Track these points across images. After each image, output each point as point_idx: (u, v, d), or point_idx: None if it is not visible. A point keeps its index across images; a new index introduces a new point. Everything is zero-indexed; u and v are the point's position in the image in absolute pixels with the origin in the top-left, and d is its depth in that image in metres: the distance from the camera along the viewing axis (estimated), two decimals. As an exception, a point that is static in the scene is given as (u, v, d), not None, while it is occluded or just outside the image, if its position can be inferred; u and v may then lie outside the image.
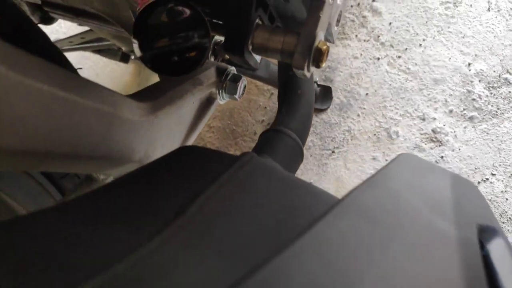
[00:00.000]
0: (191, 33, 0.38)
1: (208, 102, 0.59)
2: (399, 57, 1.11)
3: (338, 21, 0.50)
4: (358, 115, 1.06)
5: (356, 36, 1.15)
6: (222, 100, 0.59)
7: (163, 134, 0.50)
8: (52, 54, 0.50)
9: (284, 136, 0.50)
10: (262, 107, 1.13)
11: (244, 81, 0.59)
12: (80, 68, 0.58)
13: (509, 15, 1.10)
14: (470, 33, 1.10)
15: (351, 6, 1.19)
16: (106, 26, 0.65)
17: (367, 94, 1.08)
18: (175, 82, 0.53)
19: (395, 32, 1.14)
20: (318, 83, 1.10)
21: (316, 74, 1.13)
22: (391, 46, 1.12)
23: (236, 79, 0.58)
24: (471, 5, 1.13)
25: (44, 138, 0.33)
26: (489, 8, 1.12)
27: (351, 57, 1.13)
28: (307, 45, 0.39)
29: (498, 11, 1.12)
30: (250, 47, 0.41)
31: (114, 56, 1.01)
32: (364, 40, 1.14)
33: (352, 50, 1.14)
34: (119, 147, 0.42)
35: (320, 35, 0.40)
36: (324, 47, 0.40)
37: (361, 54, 1.13)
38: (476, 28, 1.11)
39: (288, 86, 0.57)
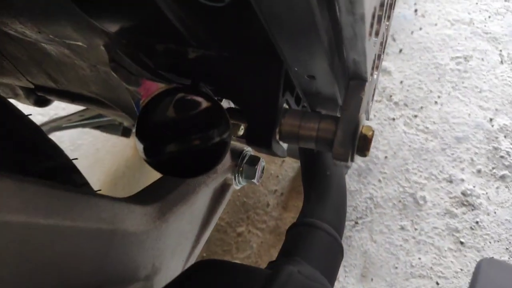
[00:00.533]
0: (209, 131, 0.32)
1: (222, 189, 0.52)
2: (416, 116, 1.05)
3: (373, 96, 0.44)
4: (379, 181, 0.98)
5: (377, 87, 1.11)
6: (238, 185, 0.52)
7: (174, 239, 0.42)
8: (38, 145, 0.44)
9: (319, 231, 0.42)
10: (273, 175, 1.06)
11: (263, 162, 0.52)
12: (76, 159, 0.51)
13: (524, 67, 1.07)
14: (487, 87, 1.06)
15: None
16: (104, 109, 0.59)
17: (386, 157, 1.01)
18: None
19: (408, 90, 1.09)
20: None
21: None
22: (405, 105, 1.07)
23: (254, 162, 0.51)
24: (482, 58, 1.10)
25: (21, 280, 0.25)
26: (502, 61, 1.09)
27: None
28: (350, 132, 0.32)
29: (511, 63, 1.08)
30: (278, 136, 0.35)
31: (115, 131, 0.96)
32: (376, 101, 1.10)
33: (364, 111, 1.09)
34: (120, 268, 0.34)
35: (363, 118, 0.34)
36: (370, 133, 0.33)
37: (374, 115, 1.08)
38: (492, 81, 1.06)
39: (315, 167, 0.50)
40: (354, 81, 0.33)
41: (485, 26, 1.16)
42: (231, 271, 0.32)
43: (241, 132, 0.43)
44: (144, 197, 0.38)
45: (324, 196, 0.48)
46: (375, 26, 0.30)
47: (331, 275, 0.41)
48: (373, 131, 0.33)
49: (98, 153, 1.22)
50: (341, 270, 0.91)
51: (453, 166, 0.97)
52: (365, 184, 0.99)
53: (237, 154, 0.50)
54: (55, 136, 1.30)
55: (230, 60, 0.34)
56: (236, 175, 0.50)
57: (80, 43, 0.39)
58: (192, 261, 0.50)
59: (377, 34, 0.33)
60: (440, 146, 1.00)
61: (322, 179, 0.49)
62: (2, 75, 0.61)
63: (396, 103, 1.08)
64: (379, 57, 0.42)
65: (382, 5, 0.32)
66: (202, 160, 0.32)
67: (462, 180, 0.94)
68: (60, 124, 1.01)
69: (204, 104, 0.32)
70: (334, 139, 0.32)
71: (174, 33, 0.32)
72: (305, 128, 0.34)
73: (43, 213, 0.25)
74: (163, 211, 0.38)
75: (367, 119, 0.45)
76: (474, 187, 0.93)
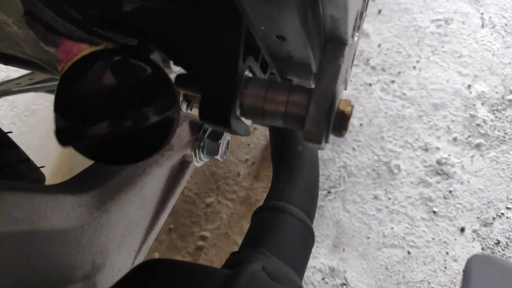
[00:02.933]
0: (151, 105, 0.25)
1: (181, 167, 0.46)
2: (393, 81, 1.01)
3: (352, 62, 0.38)
4: (354, 149, 0.95)
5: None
6: (199, 162, 0.46)
7: (120, 230, 0.36)
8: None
9: (288, 216, 0.38)
10: (244, 144, 1.01)
11: (228, 136, 0.46)
12: (10, 132, 0.44)
13: (505, 31, 1.03)
14: (467, 52, 1.02)
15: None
16: (44, 73, 0.51)
17: (361, 124, 0.97)
18: None
19: (386, 54, 1.04)
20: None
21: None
22: (383, 70, 1.02)
23: (217, 136, 0.45)
24: (463, 22, 1.05)
25: None
26: (482, 25, 1.04)
27: (340, 84, 1.02)
28: (325, 107, 0.26)
29: (493, 27, 1.04)
30: (239, 111, 0.29)
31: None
32: (353, 65, 1.04)
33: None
34: (47, 273, 0.28)
35: (341, 90, 0.28)
36: (349, 108, 0.27)
37: (350, 80, 1.03)
38: (472, 46, 1.02)
39: (285, 141, 0.44)
40: (332, 44, 0.27)
41: (467, -13, 1.10)
42: (182, 274, 0.27)
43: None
44: (78, 184, 0.32)
45: (294, 175, 0.43)
46: None
47: (301, 266, 0.37)
48: (353, 106, 0.28)
49: (56, 119, 1.13)
50: (312, 240, 0.88)
51: (429, 134, 0.94)
52: (338, 152, 0.95)
53: (198, 128, 0.44)
54: (7, 101, 1.19)
55: (176, 15, 0.27)
56: (197, 151, 0.44)
57: None
58: (145, 249, 0.45)
59: None
60: (417, 113, 0.96)
61: (292, 155, 0.44)
62: None
63: (373, 68, 1.03)
64: (361, 15, 0.36)
65: None
66: (141, 144, 0.26)
67: (438, 148, 0.92)
68: (9, 87, 0.92)
69: (142, 71, 0.25)
70: (306, 115, 0.27)
71: None
72: (271, 101, 0.28)
73: None
74: (102, 199, 0.32)
75: (345, 89, 0.40)
76: (449, 155, 0.91)
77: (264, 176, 0.96)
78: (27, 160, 0.54)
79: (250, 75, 0.30)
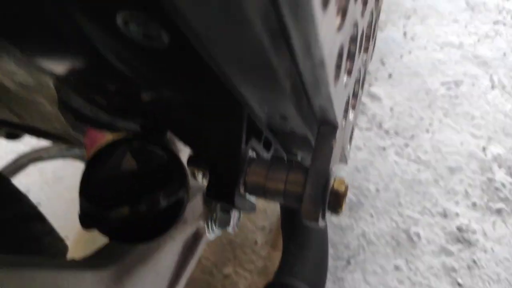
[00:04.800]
0: (164, 189, 0.27)
1: (194, 239, 0.47)
2: (407, 145, 1.01)
3: (351, 138, 0.40)
4: (371, 215, 0.94)
5: (357, 124, 1.07)
6: (212, 234, 0.47)
7: None
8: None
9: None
10: (261, 209, 1.01)
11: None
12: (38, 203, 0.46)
13: (516, 92, 1.04)
14: (479, 114, 1.03)
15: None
16: (72, 148, 0.54)
17: (377, 189, 0.97)
18: None
19: (398, 117, 1.06)
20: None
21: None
22: (396, 133, 1.04)
23: (227, 208, 0.46)
24: (473, 84, 1.07)
25: None
26: (492, 86, 1.06)
27: (354, 148, 1.04)
28: (319, 188, 0.27)
29: (503, 88, 1.05)
30: (243, 189, 0.30)
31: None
32: (366, 129, 1.06)
33: (354, 141, 1.05)
34: None
35: (335, 171, 0.29)
36: (342, 187, 0.29)
37: (364, 144, 1.04)
38: (484, 108, 1.03)
39: (295, 214, 0.45)
40: (324, 127, 0.29)
41: (474, 49, 1.13)
42: None
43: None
44: (97, 260, 0.33)
45: (303, 249, 0.43)
46: (345, 66, 0.26)
47: None
48: (347, 185, 0.29)
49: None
50: (333, 313, 0.86)
51: (447, 199, 0.93)
52: (356, 219, 0.94)
53: (208, 200, 0.46)
54: (36, 168, 1.23)
55: (186, 104, 0.29)
56: (209, 223, 0.45)
57: (29, 80, 0.35)
58: None
59: (349, 73, 0.29)
60: (433, 177, 0.96)
61: (301, 230, 0.44)
62: None
63: (386, 131, 1.04)
64: (355, 95, 0.38)
65: (354, 40, 0.28)
66: (155, 224, 0.28)
67: (457, 214, 0.91)
68: (40, 155, 0.96)
69: (158, 157, 0.27)
70: (303, 194, 0.28)
71: (120, 74, 0.28)
72: (272, 180, 0.29)
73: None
74: (119, 275, 0.33)
75: (345, 163, 0.41)
76: (469, 221, 0.89)
77: (282, 244, 0.95)
78: (52, 231, 0.56)
79: (254, 154, 0.31)
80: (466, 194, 0.93)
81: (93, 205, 0.29)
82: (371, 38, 0.40)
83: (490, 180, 0.93)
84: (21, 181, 1.03)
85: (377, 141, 1.04)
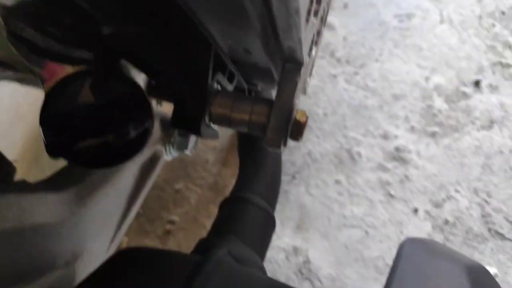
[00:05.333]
0: (128, 123, 0.28)
1: (152, 161, 0.49)
2: (356, 73, 1.05)
3: (311, 71, 0.42)
4: (318, 137, 0.99)
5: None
6: (169, 156, 0.49)
7: (96, 222, 0.39)
8: None
9: (251, 206, 0.41)
10: (215, 131, 1.04)
11: (196, 134, 0.49)
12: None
13: (461, 27, 1.09)
14: (426, 46, 1.07)
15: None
16: (10, 72, 0.53)
17: (325, 114, 1.01)
18: None
19: (351, 47, 1.09)
20: (274, 103, 1.02)
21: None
22: (347, 62, 1.07)
23: (185, 132, 0.48)
24: (424, 17, 1.11)
25: None
26: (441, 21, 1.10)
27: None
28: (282, 119, 0.30)
29: (451, 23, 1.10)
30: (208, 119, 0.32)
31: (37, 83, 0.88)
32: (319, 57, 1.09)
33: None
34: (35, 261, 0.31)
35: (297, 103, 0.32)
36: (304, 118, 0.31)
37: (316, 72, 1.07)
38: (432, 41, 1.08)
39: (251, 137, 0.48)
40: (290, 64, 0.31)
41: (429, -16, 1.16)
42: (154, 262, 0.31)
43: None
44: (59, 182, 0.34)
45: (259, 168, 0.47)
46: (314, 6, 0.27)
47: (263, 250, 0.41)
48: (307, 116, 0.32)
49: (20, 107, 1.13)
50: (278, 223, 0.92)
51: (388, 123, 0.99)
52: (304, 140, 0.99)
53: (166, 124, 0.47)
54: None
55: (150, 37, 0.30)
56: (167, 146, 0.47)
57: None
58: (119, 237, 0.48)
59: (316, 13, 0.31)
60: (378, 104, 1.01)
61: (258, 150, 0.48)
62: None
63: (338, 60, 1.08)
64: (318, 33, 0.40)
65: None
66: (119, 152, 0.29)
67: (396, 136, 0.97)
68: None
69: (122, 89, 0.28)
70: (268, 125, 0.30)
71: (78, 8, 0.28)
72: (237, 111, 0.31)
73: None
74: (81, 195, 0.35)
75: (304, 93, 0.44)
76: (406, 143, 0.96)
77: (232, 162, 1.00)
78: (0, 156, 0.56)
79: (219, 87, 0.33)
80: (406, 119, 0.99)
81: (59, 136, 0.30)
82: None
83: (429, 106, 1.00)
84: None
85: (328, 69, 1.07)
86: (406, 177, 0.92)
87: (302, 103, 1.04)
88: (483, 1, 1.12)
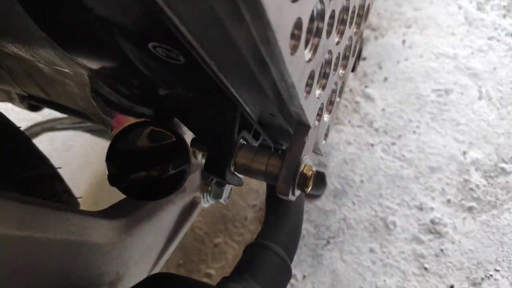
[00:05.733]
0: (172, 162, 0.36)
1: (191, 206, 0.56)
2: (394, 143, 1.10)
3: (326, 135, 0.49)
4: (354, 203, 1.03)
5: (349, 121, 1.16)
6: (206, 203, 0.56)
7: (138, 251, 0.46)
8: (23, 154, 0.48)
9: (270, 253, 0.47)
10: (254, 190, 1.10)
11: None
12: (60, 168, 0.55)
13: (500, 104, 1.12)
14: (464, 121, 1.11)
15: (344, 92, 1.21)
16: (91, 122, 0.64)
17: (362, 181, 1.05)
18: None
19: (388, 118, 1.14)
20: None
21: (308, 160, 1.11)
22: (385, 132, 1.12)
23: (222, 183, 0.55)
24: (462, 93, 1.15)
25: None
26: (480, 97, 1.14)
27: (345, 143, 1.13)
28: (291, 171, 0.36)
29: (489, 99, 1.13)
30: (233, 168, 0.39)
31: (105, 135, 1.01)
32: (358, 126, 1.15)
33: (345, 136, 1.14)
34: (86, 275, 0.38)
35: (305, 159, 0.38)
36: (310, 172, 0.37)
37: (354, 140, 1.12)
38: (469, 116, 1.11)
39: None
40: (299, 127, 0.38)
41: (467, 61, 1.21)
42: (179, 286, 0.37)
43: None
44: (113, 212, 0.43)
45: (281, 219, 0.52)
46: (317, 83, 0.35)
47: None
48: (314, 171, 0.38)
49: (88, 155, 1.26)
50: (309, 286, 0.95)
51: (424, 195, 1.01)
52: (339, 205, 1.03)
53: (207, 175, 0.55)
54: (48, 136, 1.34)
55: (194, 100, 0.38)
56: (205, 194, 0.55)
57: (66, 70, 0.44)
58: (157, 268, 0.54)
59: (323, 88, 0.38)
60: (414, 174, 1.04)
61: (282, 203, 0.53)
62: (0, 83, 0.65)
63: (376, 130, 1.13)
64: (332, 103, 0.46)
65: (328, 63, 0.37)
66: (162, 187, 0.37)
67: (432, 208, 0.99)
68: (54, 125, 1.06)
69: (168, 137, 0.37)
70: (279, 175, 0.37)
71: (144, 75, 0.37)
72: (256, 162, 0.38)
73: (17, 226, 0.30)
74: (129, 226, 0.42)
75: (320, 154, 0.50)
76: (442, 216, 0.98)
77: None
78: (69, 191, 0.65)
79: (244, 142, 0.40)
80: (443, 192, 1.01)
81: (117, 170, 0.38)
82: (350, 57, 0.48)
83: (466, 181, 1.01)
84: (41, 143, 1.13)
85: (366, 138, 1.12)
86: (442, 251, 0.93)
87: (340, 168, 1.09)
88: (522, 79, 1.15)
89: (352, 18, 0.41)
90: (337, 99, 0.48)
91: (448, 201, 0.99)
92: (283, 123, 0.45)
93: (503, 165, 1.02)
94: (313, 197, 1.06)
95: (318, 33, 0.31)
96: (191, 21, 0.23)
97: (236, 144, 0.38)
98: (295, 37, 0.25)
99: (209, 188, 0.54)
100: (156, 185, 0.37)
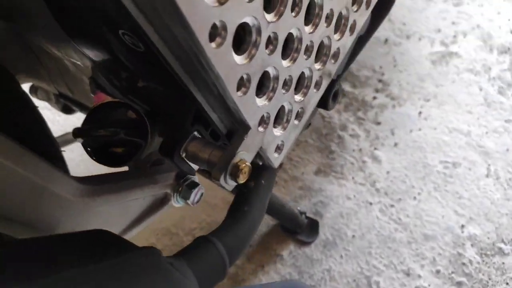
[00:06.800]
0: (125, 129, 0.44)
1: (161, 202, 0.62)
2: (392, 205, 1.11)
3: (279, 149, 0.54)
4: (341, 256, 1.03)
5: (353, 178, 1.19)
6: (176, 203, 0.62)
7: (99, 220, 0.52)
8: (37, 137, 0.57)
9: (213, 248, 0.50)
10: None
11: (202, 189, 0.62)
12: (63, 151, 0.64)
13: (508, 185, 1.10)
14: (467, 196, 1.10)
15: (353, 150, 1.25)
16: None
17: (354, 236, 1.06)
18: (133, 174, 0.57)
19: (392, 181, 1.16)
20: (307, 215, 1.11)
21: (306, 207, 1.14)
22: (386, 193, 1.13)
23: (193, 186, 0.61)
24: (470, 168, 1.15)
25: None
26: (487, 175, 1.13)
27: (344, 197, 1.15)
28: (226, 160, 0.42)
29: (497, 178, 1.12)
30: (184, 154, 0.46)
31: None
32: (360, 184, 1.17)
33: (346, 190, 1.16)
34: (45, 218, 0.45)
35: (242, 155, 0.44)
36: (243, 165, 0.43)
37: (354, 196, 1.14)
38: (473, 191, 1.11)
39: (239, 200, 0.59)
40: (241, 126, 0.44)
41: (480, 140, 1.22)
42: (113, 240, 0.42)
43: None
44: (85, 178, 0.50)
45: (234, 225, 0.56)
46: (255, 88, 0.42)
47: (206, 284, 0.48)
48: (249, 166, 0.43)
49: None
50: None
51: (414, 261, 0.99)
52: (327, 256, 1.03)
53: (181, 177, 0.61)
54: (68, 148, 1.47)
55: (162, 92, 0.46)
56: (175, 194, 0.60)
57: (79, 62, 0.54)
58: None
59: (269, 99, 0.45)
60: (407, 239, 1.03)
61: (239, 211, 0.57)
62: (38, 79, 0.78)
63: (377, 190, 1.15)
64: (287, 120, 0.52)
65: (275, 78, 0.44)
66: (118, 155, 0.44)
67: (419, 276, 0.96)
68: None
69: (130, 114, 0.45)
70: (216, 163, 0.43)
71: (127, 67, 0.46)
72: (202, 152, 0.45)
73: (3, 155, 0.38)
74: (94, 192, 0.49)
75: (273, 166, 0.55)
76: (429, 285, 0.95)
77: (257, 259, 1.06)
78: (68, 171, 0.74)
79: (199, 135, 0.47)
80: (433, 261, 0.99)
81: (87, 128, 0.48)
82: (311, 88, 0.54)
83: (460, 255, 0.99)
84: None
85: (367, 196, 1.14)
86: (420, 320, 0.89)
87: (334, 221, 1.10)
88: (536, 165, 1.14)
89: (309, 51, 0.49)
90: (295, 121, 0.54)
91: (438, 271, 0.97)
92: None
93: (502, 245, 0.99)
94: (303, 243, 1.07)
95: (255, 45, 0.38)
96: (139, 7, 0.32)
97: (188, 133, 0.45)
98: (220, 35, 0.33)
99: (180, 189, 0.60)
100: (114, 153, 0.44)
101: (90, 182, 0.50)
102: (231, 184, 0.44)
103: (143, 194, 0.56)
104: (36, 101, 0.66)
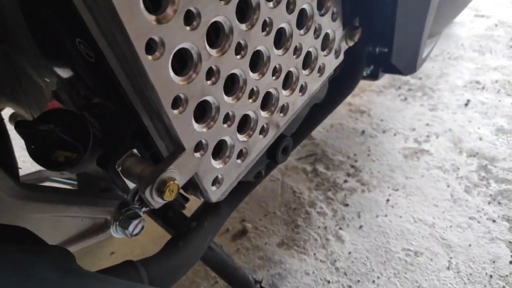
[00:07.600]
0: (61, 127, 0.47)
1: (100, 227, 0.62)
2: (350, 287, 1.08)
3: (218, 183, 0.56)
4: (290, 333, 0.97)
5: (315, 254, 1.17)
6: (114, 232, 0.62)
7: (30, 226, 0.52)
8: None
9: (134, 273, 0.50)
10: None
11: (143, 222, 0.62)
12: (20, 168, 0.66)
13: (468, 279, 1.09)
14: (426, 285, 1.08)
15: (319, 227, 1.26)
16: None
17: (306, 312, 1.01)
18: (79, 193, 0.58)
19: (353, 262, 1.15)
20: (263, 285, 1.07)
21: (264, 276, 1.11)
22: (345, 274, 1.11)
23: (133, 217, 0.62)
24: (431, 259, 1.15)
25: None
26: (448, 267, 1.13)
27: (303, 272, 1.12)
28: (155, 175, 0.45)
29: (458, 272, 1.11)
30: (120, 168, 0.48)
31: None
32: (321, 260, 1.15)
33: (306, 266, 1.14)
34: None
35: (173, 173, 0.46)
36: (171, 183, 0.45)
37: (313, 272, 1.12)
38: (433, 282, 1.09)
39: (177, 235, 0.60)
40: (177, 147, 0.47)
41: (444, 232, 1.23)
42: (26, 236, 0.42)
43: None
44: (31, 185, 0.51)
45: (163, 257, 0.56)
46: (194, 112, 0.46)
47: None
48: (177, 185, 0.46)
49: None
50: None
51: None
52: (276, 331, 0.98)
53: (124, 206, 0.62)
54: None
55: (109, 107, 0.51)
56: (115, 222, 0.61)
57: (48, 80, 0.60)
58: None
59: (208, 127, 0.49)
60: (361, 322, 0.99)
61: (173, 246, 0.58)
62: (17, 104, 0.83)
63: (337, 269, 1.13)
64: (229, 156, 0.56)
65: (218, 109, 0.48)
66: (58, 157, 0.47)
67: None
68: (49, 175, 1.20)
69: (76, 122, 0.49)
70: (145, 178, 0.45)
71: (83, 81, 0.52)
72: (136, 167, 0.47)
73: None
74: (30, 196, 0.50)
75: (209, 200, 0.57)
76: None
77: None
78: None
79: (136, 152, 0.50)
80: None
81: (33, 127, 0.51)
82: (256, 132, 0.58)
83: None
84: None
85: (325, 274, 1.12)
86: None
87: (291, 297, 1.06)
88: (497, 261, 1.13)
89: (255, 95, 0.54)
90: (238, 160, 0.57)
91: None
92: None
93: None
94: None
95: (195, 71, 0.44)
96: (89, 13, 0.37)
97: (127, 148, 0.48)
98: (158, 50, 0.38)
99: (121, 217, 0.61)
100: (52, 155, 0.47)
101: (30, 188, 0.51)
102: (158, 201, 0.46)
103: (81, 213, 0.57)
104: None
